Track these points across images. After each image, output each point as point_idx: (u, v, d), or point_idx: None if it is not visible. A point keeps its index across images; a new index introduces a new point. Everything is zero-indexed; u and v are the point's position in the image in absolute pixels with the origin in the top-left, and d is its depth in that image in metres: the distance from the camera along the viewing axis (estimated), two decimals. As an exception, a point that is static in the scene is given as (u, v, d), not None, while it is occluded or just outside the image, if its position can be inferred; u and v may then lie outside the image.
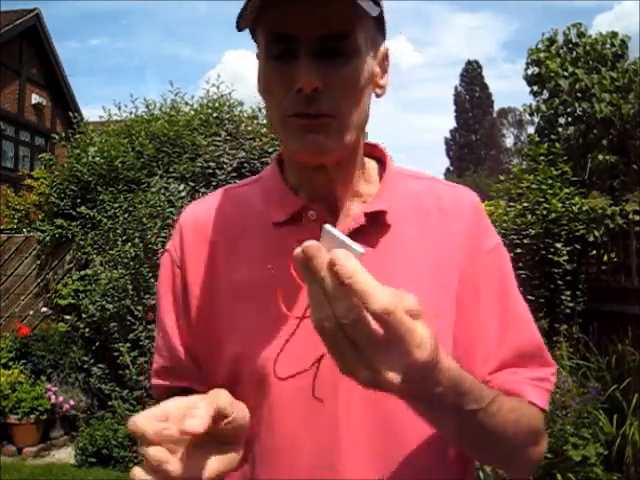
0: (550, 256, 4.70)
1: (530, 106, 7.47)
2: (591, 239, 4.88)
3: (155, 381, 0.86)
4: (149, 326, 4.86)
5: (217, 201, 0.85)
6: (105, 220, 5.46)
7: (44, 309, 5.89)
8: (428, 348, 0.51)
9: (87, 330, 5.26)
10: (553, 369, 0.82)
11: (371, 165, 0.84)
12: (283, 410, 0.73)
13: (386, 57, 0.78)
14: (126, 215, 5.33)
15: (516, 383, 0.76)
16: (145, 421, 0.55)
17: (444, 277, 0.77)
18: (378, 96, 0.77)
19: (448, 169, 41.20)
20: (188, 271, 0.81)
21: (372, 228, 0.76)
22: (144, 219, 5.05)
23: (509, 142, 41.66)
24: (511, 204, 5.15)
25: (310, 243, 0.51)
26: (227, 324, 0.77)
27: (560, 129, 7.33)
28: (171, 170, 5.71)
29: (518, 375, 0.77)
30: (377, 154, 0.85)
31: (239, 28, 0.70)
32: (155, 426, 0.55)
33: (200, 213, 0.84)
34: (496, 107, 41.49)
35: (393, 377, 0.51)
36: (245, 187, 0.87)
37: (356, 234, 0.73)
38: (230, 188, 0.88)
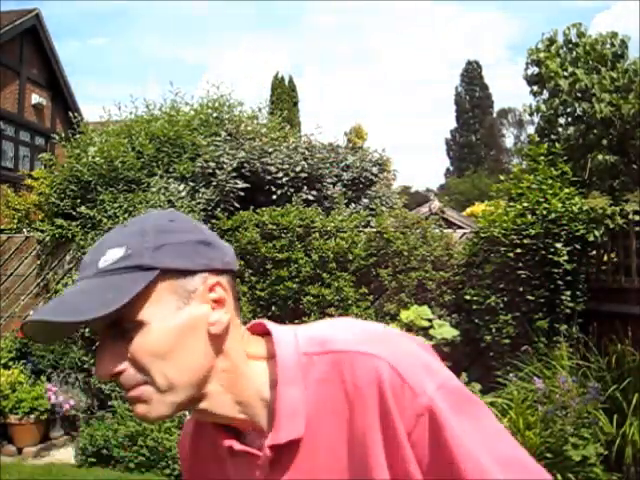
0: (550, 256, 4.70)
1: (530, 106, 7.48)
2: (591, 239, 4.88)
3: None
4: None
5: (195, 437, 0.90)
6: (105, 220, 5.46)
7: (44, 309, 5.89)
8: None
9: (87, 330, 5.25)
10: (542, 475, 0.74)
11: (263, 354, 0.79)
12: None
13: (212, 289, 0.75)
14: (126, 215, 5.33)
15: None
16: None
17: (369, 476, 0.73)
18: (213, 334, 0.74)
19: (448, 169, 41.20)
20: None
21: (285, 451, 0.76)
22: (144, 219, 5.05)
23: (509, 142, 41.65)
24: (511, 204, 5.14)
25: None
26: None
27: (560, 129, 7.33)
28: (171, 170, 5.72)
29: None
30: (263, 330, 0.82)
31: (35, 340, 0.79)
32: None
33: (184, 446, 0.91)
34: (496, 107, 41.48)
35: None
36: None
37: (275, 463, 0.76)
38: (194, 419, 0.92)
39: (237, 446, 0.78)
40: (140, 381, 0.72)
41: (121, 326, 0.71)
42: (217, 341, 0.75)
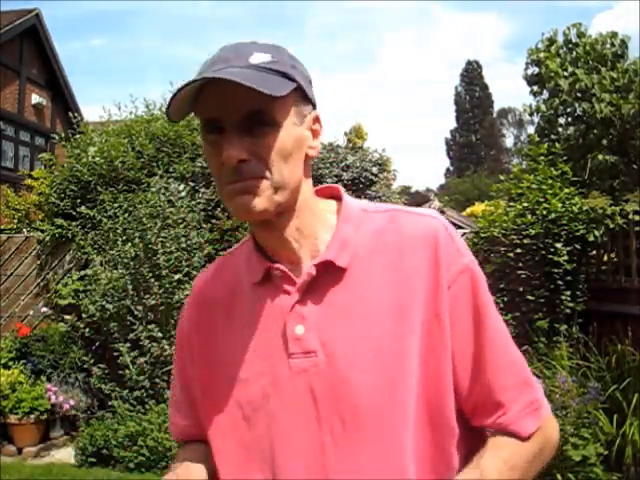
0: (550, 256, 4.70)
1: (530, 106, 7.48)
2: (591, 239, 4.88)
3: (170, 421, 1.01)
4: (149, 326, 4.86)
5: (219, 270, 0.95)
6: (105, 220, 5.46)
7: (44, 309, 5.89)
8: None
9: (87, 330, 5.26)
10: (537, 386, 0.86)
11: (329, 212, 0.88)
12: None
13: (317, 121, 0.85)
14: (126, 215, 5.33)
15: (510, 424, 0.82)
16: None
17: (407, 315, 0.79)
18: (310, 157, 0.83)
19: (448, 169, 41.20)
20: (195, 344, 0.91)
21: (328, 275, 0.82)
22: (144, 219, 5.05)
23: (509, 142, 41.67)
24: (511, 204, 5.14)
25: None
26: (225, 389, 0.85)
27: (560, 129, 7.33)
28: (171, 170, 5.71)
29: (509, 411, 0.82)
30: (333, 193, 0.91)
31: (172, 120, 0.82)
32: None
33: (202, 285, 0.95)
34: (496, 107, 41.48)
35: None
36: (238, 249, 0.95)
37: (314, 284, 0.81)
38: (227, 254, 0.97)
39: (282, 268, 0.82)
40: (258, 174, 0.77)
41: (254, 121, 0.77)
42: (307, 167, 0.83)
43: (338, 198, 0.90)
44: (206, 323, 0.90)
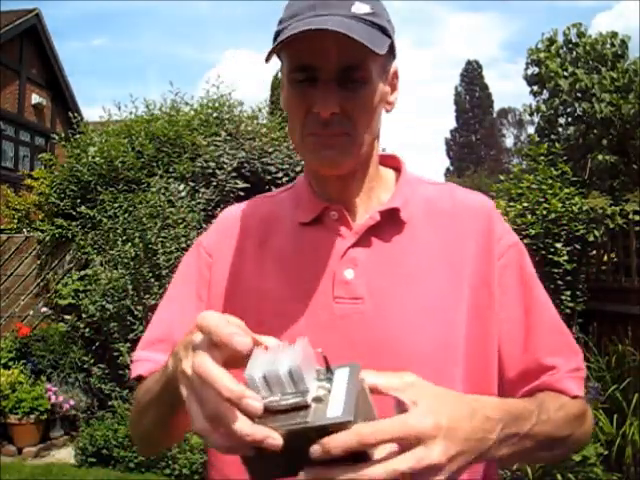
0: (550, 256, 4.70)
1: (530, 106, 7.49)
2: (591, 239, 4.88)
3: (138, 354, 0.86)
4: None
5: (253, 205, 0.93)
6: (105, 220, 5.46)
7: (44, 309, 5.89)
8: (433, 419, 0.55)
9: (87, 330, 5.26)
10: (581, 355, 0.87)
11: (388, 174, 0.90)
12: None
13: (395, 76, 0.85)
14: (126, 215, 5.33)
15: (559, 382, 0.81)
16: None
17: (455, 277, 0.80)
18: (388, 112, 0.84)
19: (448, 169, 41.17)
20: (217, 263, 0.87)
21: (387, 225, 0.82)
22: (144, 219, 5.05)
23: (509, 142, 41.65)
24: (511, 204, 5.14)
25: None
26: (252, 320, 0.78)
27: (560, 129, 7.33)
28: (171, 170, 5.71)
29: (558, 372, 0.81)
30: (394, 164, 0.92)
31: (266, 60, 0.79)
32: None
33: (236, 214, 0.92)
34: (496, 107, 41.45)
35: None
36: (279, 194, 0.94)
37: (373, 230, 0.81)
38: (265, 195, 0.96)
39: (342, 210, 0.82)
40: (345, 129, 0.76)
41: (349, 75, 0.75)
42: (379, 124, 0.83)
43: (396, 169, 0.91)
44: (230, 253, 0.87)
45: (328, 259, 0.80)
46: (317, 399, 0.52)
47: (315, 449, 0.50)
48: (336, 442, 0.50)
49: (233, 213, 0.93)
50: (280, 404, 0.51)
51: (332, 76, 0.75)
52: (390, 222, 0.82)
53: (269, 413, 0.52)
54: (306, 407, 0.52)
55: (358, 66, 0.75)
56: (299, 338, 0.54)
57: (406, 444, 0.54)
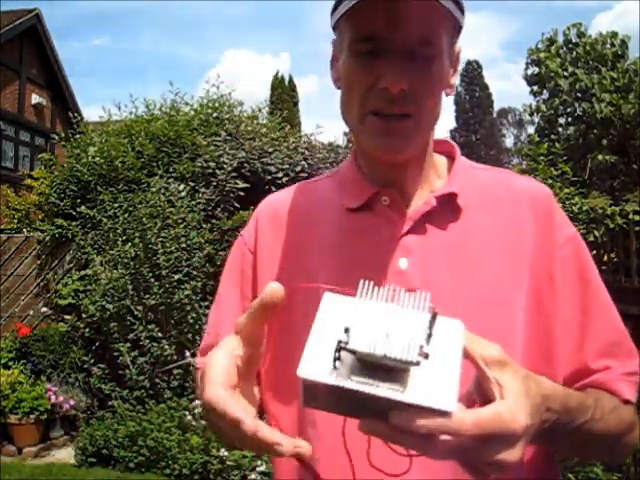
0: (550, 256, 4.70)
1: (530, 106, 7.49)
2: (591, 239, 4.88)
3: (199, 360, 0.83)
4: (149, 326, 4.86)
5: (293, 192, 0.88)
6: (105, 220, 5.46)
7: (44, 309, 5.89)
8: (524, 418, 0.52)
9: (87, 330, 5.26)
10: (637, 360, 0.82)
11: (441, 160, 0.85)
12: None
13: (459, 56, 0.80)
14: (126, 215, 5.33)
15: (612, 382, 0.77)
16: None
17: (514, 264, 0.76)
18: (448, 95, 0.78)
19: (448, 169, 41.16)
20: (260, 257, 0.83)
21: (443, 211, 0.77)
22: (144, 219, 5.05)
23: (509, 142, 41.63)
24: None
25: None
26: (299, 314, 0.74)
27: (560, 129, 7.34)
28: (171, 170, 5.71)
29: (612, 372, 0.78)
30: (447, 149, 0.86)
31: (333, 26, 0.75)
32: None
33: (276, 203, 0.87)
34: (496, 107, 41.44)
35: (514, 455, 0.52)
36: (321, 180, 0.90)
37: (428, 217, 0.77)
38: (306, 182, 0.92)
39: (395, 195, 0.78)
40: (409, 109, 0.71)
41: (419, 49, 0.69)
42: (440, 108, 0.77)
43: (448, 155, 0.86)
44: (273, 247, 0.83)
45: (380, 247, 0.76)
46: (415, 361, 0.46)
47: (401, 420, 0.46)
48: (431, 426, 0.46)
49: (273, 204, 0.88)
50: (378, 360, 0.46)
51: (404, 48, 0.69)
52: (446, 208, 0.77)
53: (362, 365, 0.47)
54: (400, 372, 0.47)
55: (431, 40, 0.70)
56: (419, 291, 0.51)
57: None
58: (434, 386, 0.46)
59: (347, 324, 0.48)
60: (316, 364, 0.47)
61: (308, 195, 0.87)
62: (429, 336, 0.47)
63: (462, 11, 0.71)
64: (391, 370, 0.46)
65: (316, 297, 0.56)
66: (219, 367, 0.56)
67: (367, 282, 0.52)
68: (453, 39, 0.76)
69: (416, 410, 0.46)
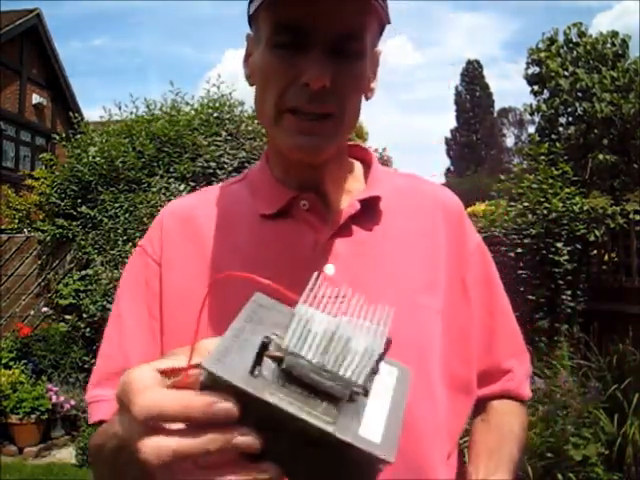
0: (551, 256, 4.70)
1: (531, 106, 7.49)
2: (592, 239, 4.88)
3: (94, 393, 0.75)
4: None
5: (202, 198, 0.82)
6: (106, 220, 5.46)
7: (45, 309, 5.89)
8: None
9: (88, 330, 5.26)
10: (528, 354, 0.90)
11: (356, 164, 0.83)
12: None
13: (378, 60, 0.77)
14: (127, 215, 5.34)
15: (519, 388, 0.85)
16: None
17: (431, 270, 0.77)
18: (368, 99, 0.75)
19: (448, 169, 41.15)
20: (167, 269, 0.76)
21: (365, 215, 0.75)
22: (145, 219, 5.05)
23: (510, 142, 41.61)
24: (512, 204, 5.14)
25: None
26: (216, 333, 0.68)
27: (561, 129, 7.34)
28: (172, 170, 5.71)
29: (516, 376, 0.85)
30: (360, 154, 0.85)
31: (249, 15, 0.71)
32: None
33: (185, 210, 0.80)
34: (497, 107, 41.44)
35: None
36: (231, 185, 0.84)
37: (352, 221, 0.75)
38: (215, 187, 0.85)
39: (315, 199, 0.74)
40: (330, 109, 0.67)
41: (342, 45, 0.65)
42: (360, 109, 0.75)
43: (362, 160, 0.84)
44: (180, 257, 0.75)
45: (303, 254, 0.72)
46: (351, 395, 0.38)
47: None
48: None
49: (180, 211, 0.80)
50: (314, 380, 0.38)
51: (327, 42, 0.65)
52: (368, 213, 0.75)
53: (292, 379, 0.38)
54: (336, 400, 0.38)
55: (356, 35, 0.66)
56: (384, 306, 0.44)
57: None
58: (372, 428, 0.38)
59: (277, 329, 0.40)
60: (230, 361, 0.38)
61: (218, 200, 0.80)
62: (374, 370, 0.39)
63: (387, 13, 0.68)
64: (319, 393, 0.38)
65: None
66: (146, 376, 0.43)
67: (313, 286, 0.44)
68: (376, 40, 0.73)
69: (345, 448, 0.37)
